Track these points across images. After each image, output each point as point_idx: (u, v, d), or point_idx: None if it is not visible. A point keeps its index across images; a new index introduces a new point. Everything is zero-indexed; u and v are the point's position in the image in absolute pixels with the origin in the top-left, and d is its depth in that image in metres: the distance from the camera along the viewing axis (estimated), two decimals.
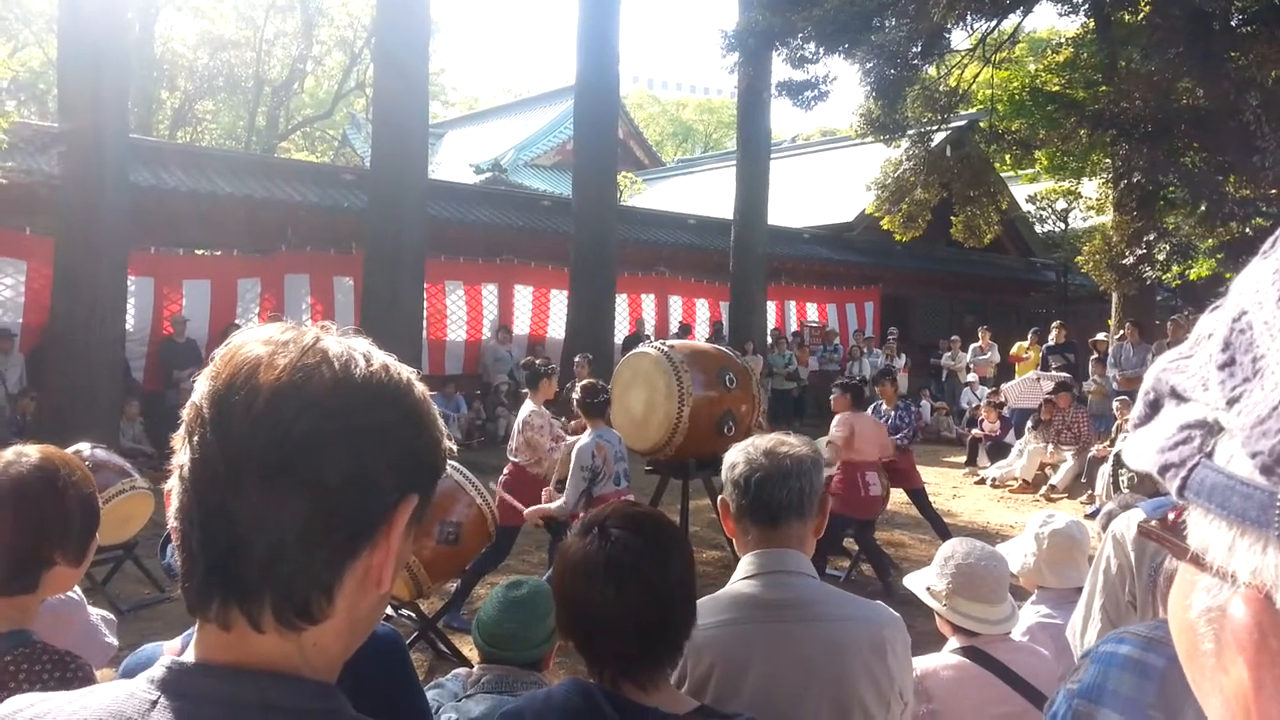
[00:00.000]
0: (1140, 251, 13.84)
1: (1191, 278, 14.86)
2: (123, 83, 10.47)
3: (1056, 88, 14.60)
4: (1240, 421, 0.45)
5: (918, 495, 8.11)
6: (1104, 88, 13.12)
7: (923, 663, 2.49)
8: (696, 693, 1.82)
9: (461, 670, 3.08)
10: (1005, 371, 16.37)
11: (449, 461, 0.90)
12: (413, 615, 5.52)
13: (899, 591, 4.69)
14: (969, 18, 13.12)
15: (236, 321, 12.33)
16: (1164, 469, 0.50)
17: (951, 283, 22.74)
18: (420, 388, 0.85)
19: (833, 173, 23.34)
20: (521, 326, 16.06)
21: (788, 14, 12.92)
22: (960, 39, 14.66)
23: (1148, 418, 0.53)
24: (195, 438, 0.77)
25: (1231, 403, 0.46)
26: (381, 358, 0.82)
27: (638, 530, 1.59)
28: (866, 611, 1.98)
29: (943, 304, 22.79)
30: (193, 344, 12.22)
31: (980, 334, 16.88)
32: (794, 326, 19.38)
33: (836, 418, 7.33)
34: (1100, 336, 14.60)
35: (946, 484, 11.84)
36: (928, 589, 2.64)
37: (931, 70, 15.09)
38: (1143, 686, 0.96)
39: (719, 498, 2.13)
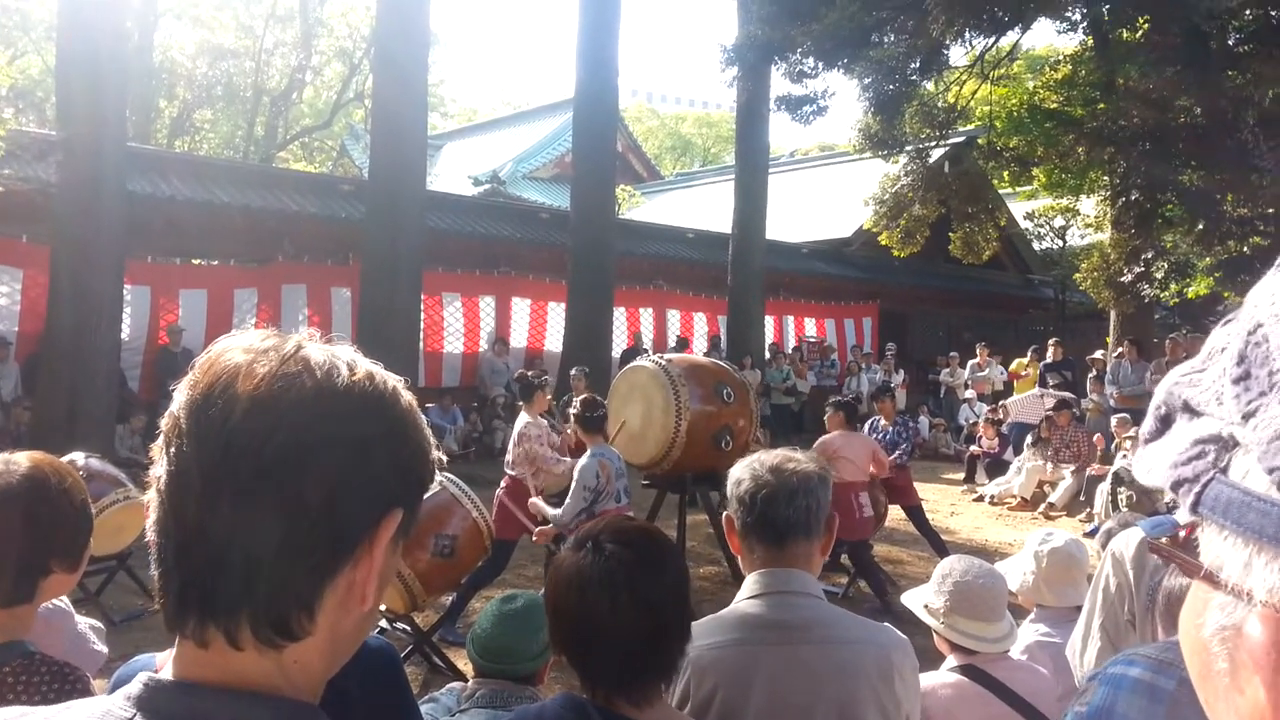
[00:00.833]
0: (1138, 269, 13.87)
1: (1189, 295, 14.94)
2: (121, 91, 10.46)
3: (1055, 105, 14.68)
4: (1257, 436, 0.44)
5: (915, 512, 8.07)
6: (1102, 105, 13.20)
7: (920, 681, 2.47)
8: (699, 714, 1.80)
9: (456, 684, 3.06)
10: (1005, 389, 16.37)
11: (445, 474, 0.88)
12: (408, 629, 5.50)
13: (897, 609, 4.67)
14: (967, 34, 13.17)
15: (233, 332, 12.27)
16: (1177, 484, 0.49)
17: (949, 299, 22.76)
18: (407, 396, 0.82)
19: (831, 188, 23.38)
20: (519, 339, 16.05)
21: (787, 29, 12.97)
22: (959, 55, 14.79)
23: (1159, 432, 0.52)
24: (172, 449, 0.75)
25: (1247, 417, 0.45)
26: (366, 366, 0.80)
27: (631, 544, 1.58)
28: (874, 635, 1.95)
29: (940, 320, 22.83)
30: (189, 354, 12.11)
31: (978, 351, 16.90)
32: (792, 341, 19.37)
33: (820, 439, 7.21)
34: (1098, 354, 14.64)
35: (945, 501, 11.80)
36: (925, 606, 2.63)
37: (930, 86, 15.18)
38: (1152, 710, 0.94)
39: (724, 514, 2.09)
